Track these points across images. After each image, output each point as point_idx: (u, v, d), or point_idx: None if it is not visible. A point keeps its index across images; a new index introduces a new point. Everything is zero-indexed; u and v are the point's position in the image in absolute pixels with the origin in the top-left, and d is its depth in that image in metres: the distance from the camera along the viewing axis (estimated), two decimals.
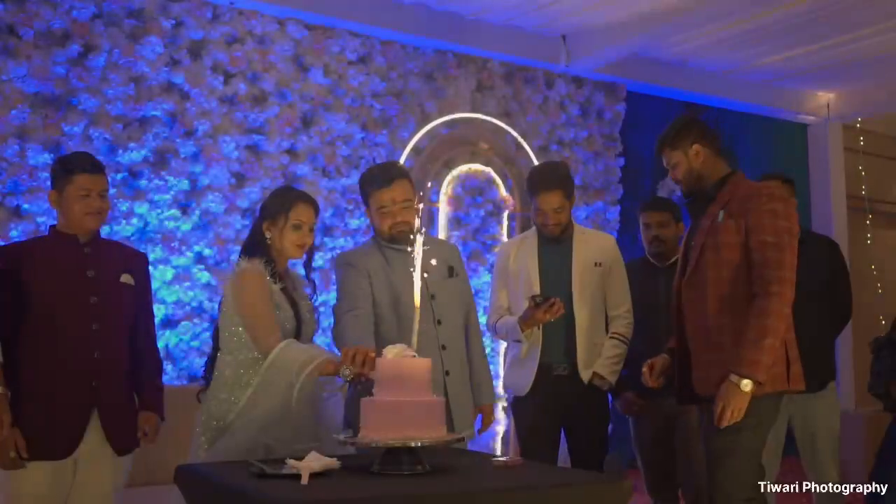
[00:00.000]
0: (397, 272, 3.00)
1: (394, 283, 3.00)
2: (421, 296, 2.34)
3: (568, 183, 3.55)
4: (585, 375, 3.45)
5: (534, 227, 3.69)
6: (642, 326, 3.67)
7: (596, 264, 3.53)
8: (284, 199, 2.86)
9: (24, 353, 2.79)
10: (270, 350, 2.58)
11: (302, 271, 3.02)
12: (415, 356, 2.21)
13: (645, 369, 3.10)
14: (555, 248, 3.57)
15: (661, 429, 3.84)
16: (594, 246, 3.59)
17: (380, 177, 3.01)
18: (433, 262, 2.38)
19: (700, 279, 2.91)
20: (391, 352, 2.21)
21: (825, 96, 7.90)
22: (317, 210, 2.90)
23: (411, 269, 2.28)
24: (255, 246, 2.83)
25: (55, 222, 2.99)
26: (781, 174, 4.02)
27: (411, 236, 2.99)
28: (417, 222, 2.47)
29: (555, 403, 3.47)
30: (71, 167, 2.88)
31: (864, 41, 6.51)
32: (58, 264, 2.84)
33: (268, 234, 2.83)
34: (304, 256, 2.93)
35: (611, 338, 3.54)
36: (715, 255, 2.87)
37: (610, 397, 3.67)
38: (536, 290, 3.45)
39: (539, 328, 3.43)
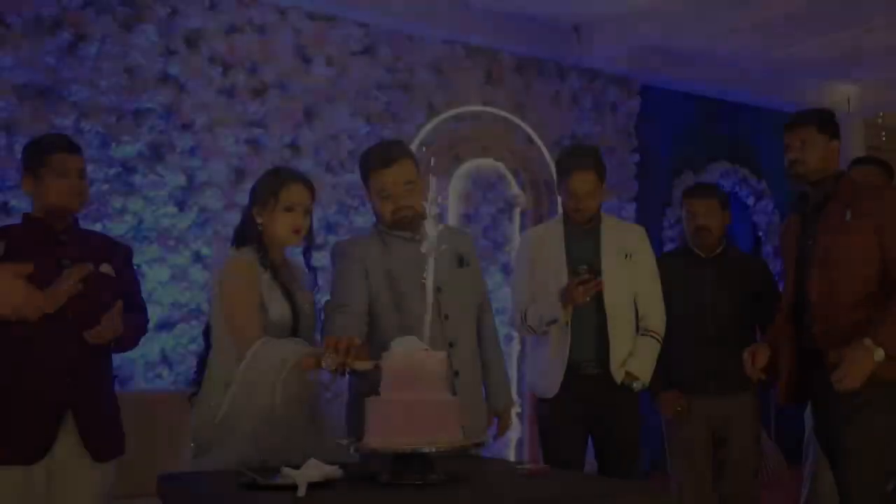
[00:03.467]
0: (398, 261, 2.73)
1: (394, 273, 2.72)
2: (425, 287, 2.09)
3: (601, 166, 3.32)
4: (619, 375, 3.20)
5: (559, 215, 3.45)
6: (688, 323, 3.42)
7: (626, 255, 3.29)
8: (274, 179, 2.61)
9: None
10: (248, 348, 2.32)
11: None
12: (427, 350, 1.95)
13: (747, 356, 3.03)
14: (583, 236, 3.32)
15: (704, 430, 3.59)
16: (624, 235, 3.35)
17: (379, 156, 2.73)
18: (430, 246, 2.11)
19: (831, 277, 2.88)
20: (400, 346, 1.95)
21: (846, 90, 7.65)
22: (311, 190, 2.64)
23: (422, 252, 2.02)
24: (245, 234, 2.59)
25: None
26: (874, 157, 3.82)
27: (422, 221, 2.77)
28: (430, 208, 2.18)
29: (583, 405, 3.22)
30: (46, 147, 2.67)
31: (888, 31, 6.26)
32: (30, 251, 2.59)
33: (259, 220, 2.58)
34: (304, 244, 2.68)
35: (643, 335, 3.29)
36: (846, 254, 2.87)
37: (644, 397, 3.40)
38: (564, 282, 3.20)
39: (568, 322, 3.18)
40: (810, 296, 2.93)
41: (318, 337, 2.73)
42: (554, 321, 3.18)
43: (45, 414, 2.56)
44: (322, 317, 2.72)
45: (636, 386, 3.22)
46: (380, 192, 2.72)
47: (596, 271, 3.08)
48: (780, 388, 3.03)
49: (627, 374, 3.20)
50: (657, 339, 3.28)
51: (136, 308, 2.84)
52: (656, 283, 3.36)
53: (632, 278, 3.28)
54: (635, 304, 3.31)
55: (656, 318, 3.31)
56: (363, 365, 2.11)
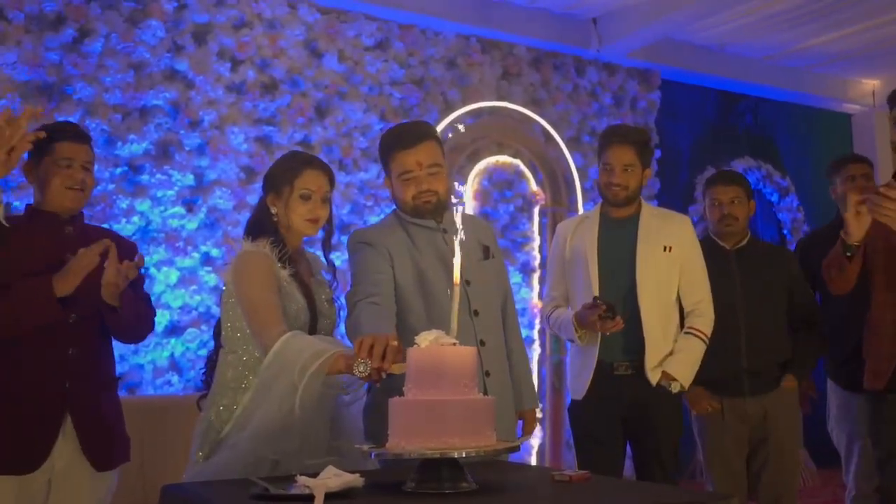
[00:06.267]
0: (424, 252, 2.54)
1: (420, 264, 2.54)
2: (453, 280, 1.91)
3: (644, 147, 3.14)
4: (654, 376, 3.00)
5: (597, 206, 3.27)
6: (717, 319, 3.19)
7: (665, 249, 3.07)
8: (288, 165, 2.44)
9: None
10: (271, 345, 2.13)
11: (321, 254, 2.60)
12: (455, 344, 1.77)
13: None
14: (618, 229, 3.13)
15: (740, 433, 3.39)
16: (665, 228, 3.13)
17: (403, 136, 2.54)
18: (461, 235, 1.93)
19: None
20: (426, 339, 1.77)
21: (871, 83, 7.49)
22: (330, 177, 2.48)
23: (453, 239, 1.84)
24: (259, 225, 2.42)
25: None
26: (861, 155, 3.68)
27: (448, 210, 2.59)
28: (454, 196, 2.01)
29: (617, 408, 3.03)
30: (52, 134, 2.49)
31: None
32: (32, 245, 2.43)
33: (273, 210, 2.42)
34: (321, 234, 2.51)
35: (686, 333, 3.08)
36: None
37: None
38: (594, 278, 3.04)
39: (585, 343, 3.02)
40: None
41: (336, 336, 2.56)
42: (570, 340, 3.06)
43: (41, 420, 2.40)
44: (342, 313, 2.54)
45: (674, 388, 3.01)
46: (402, 175, 2.53)
47: (613, 308, 2.86)
48: (878, 374, 2.90)
49: (664, 374, 3.00)
50: (702, 339, 3.07)
51: (141, 300, 2.67)
52: (703, 280, 3.16)
53: (672, 274, 3.09)
54: (680, 300, 3.12)
55: (702, 317, 3.10)
56: (402, 368, 1.87)
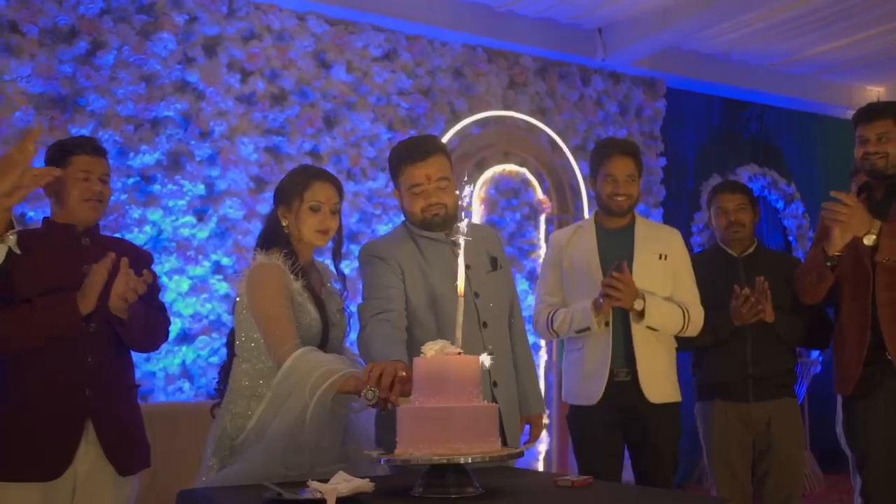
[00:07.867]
0: (433, 265, 2.60)
1: (430, 277, 2.59)
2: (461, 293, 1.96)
3: (640, 160, 3.23)
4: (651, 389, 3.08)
5: (590, 216, 3.32)
6: (724, 324, 3.25)
7: (661, 257, 3.15)
8: (298, 178, 2.51)
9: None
10: (285, 359, 2.20)
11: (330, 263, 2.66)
12: (460, 353, 1.83)
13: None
14: (615, 237, 3.18)
15: (744, 438, 3.43)
16: (659, 238, 3.22)
17: (413, 150, 2.60)
18: (463, 241, 1.98)
19: None
20: (431, 349, 1.83)
21: (876, 90, 7.49)
22: (339, 189, 2.54)
23: (456, 252, 1.90)
24: (271, 237, 2.48)
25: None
26: None
27: (457, 222, 2.64)
28: (465, 198, 2.07)
29: (617, 413, 3.08)
30: (70, 148, 2.58)
31: None
32: (50, 256, 2.49)
33: (284, 222, 2.47)
34: (332, 244, 2.56)
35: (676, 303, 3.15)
36: None
37: (684, 407, 3.25)
38: (596, 285, 3.07)
39: (609, 324, 3.04)
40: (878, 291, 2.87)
41: (347, 345, 2.62)
42: (585, 329, 3.06)
43: (64, 427, 2.46)
44: (352, 321, 2.60)
45: (636, 305, 3.00)
46: (411, 188, 2.59)
47: (620, 268, 2.94)
48: (846, 379, 2.98)
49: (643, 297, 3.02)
50: (685, 313, 3.12)
51: (154, 310, 2.73)
52: (694, 286, 3.23)
53: (666, 281, 3.15)
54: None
55: (693, 308, 3.16)
56: (408, 402, 1.92)
